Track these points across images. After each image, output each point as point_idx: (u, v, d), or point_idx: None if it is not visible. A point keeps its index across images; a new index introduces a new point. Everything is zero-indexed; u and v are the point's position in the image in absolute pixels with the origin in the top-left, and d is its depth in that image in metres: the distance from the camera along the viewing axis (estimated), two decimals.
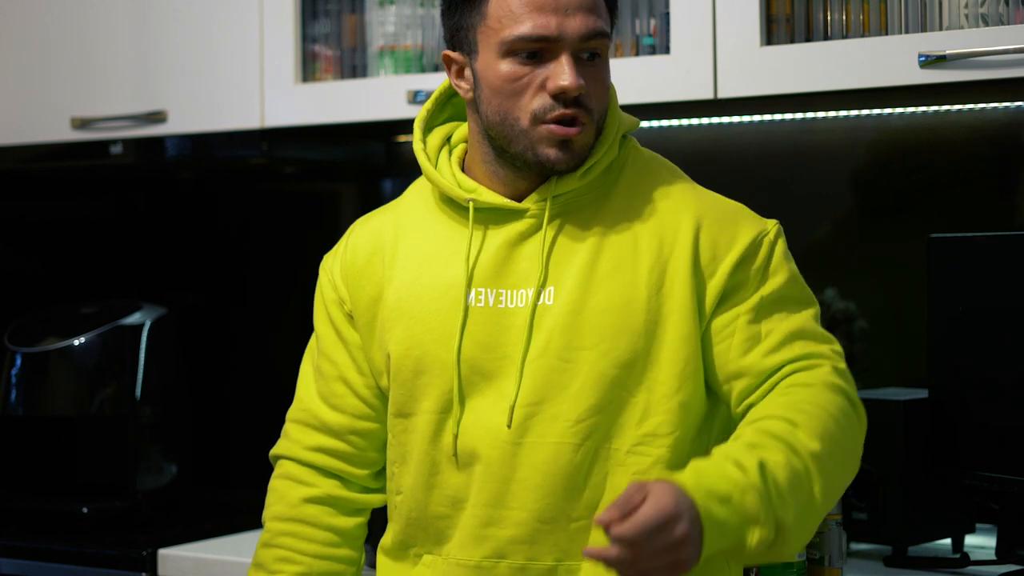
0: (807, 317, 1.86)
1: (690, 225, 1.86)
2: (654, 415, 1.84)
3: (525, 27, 1.81)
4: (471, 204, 1.89)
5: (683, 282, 1.84)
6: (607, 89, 1.88)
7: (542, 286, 1.86)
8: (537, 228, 1.88)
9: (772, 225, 1.90)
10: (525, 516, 1.84)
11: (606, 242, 1.87)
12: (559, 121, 1.82)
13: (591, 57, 1.84)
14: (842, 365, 1.84)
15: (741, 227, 1.87)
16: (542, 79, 1.82)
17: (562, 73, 1.81)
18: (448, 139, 1.98)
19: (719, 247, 1.86)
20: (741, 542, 1.62)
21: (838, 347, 1.87)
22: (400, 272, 1.93)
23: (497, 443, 1.85)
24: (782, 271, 1.87)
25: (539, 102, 1.83)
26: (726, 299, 1.85)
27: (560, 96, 1.82)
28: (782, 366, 1.82)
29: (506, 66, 1.84)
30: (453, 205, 1.93)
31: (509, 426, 1.84)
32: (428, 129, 1.97)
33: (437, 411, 1.89)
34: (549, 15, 1.81)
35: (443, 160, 1.95)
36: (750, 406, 1.82)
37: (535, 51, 1.82)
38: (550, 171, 1.86)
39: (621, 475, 1.84)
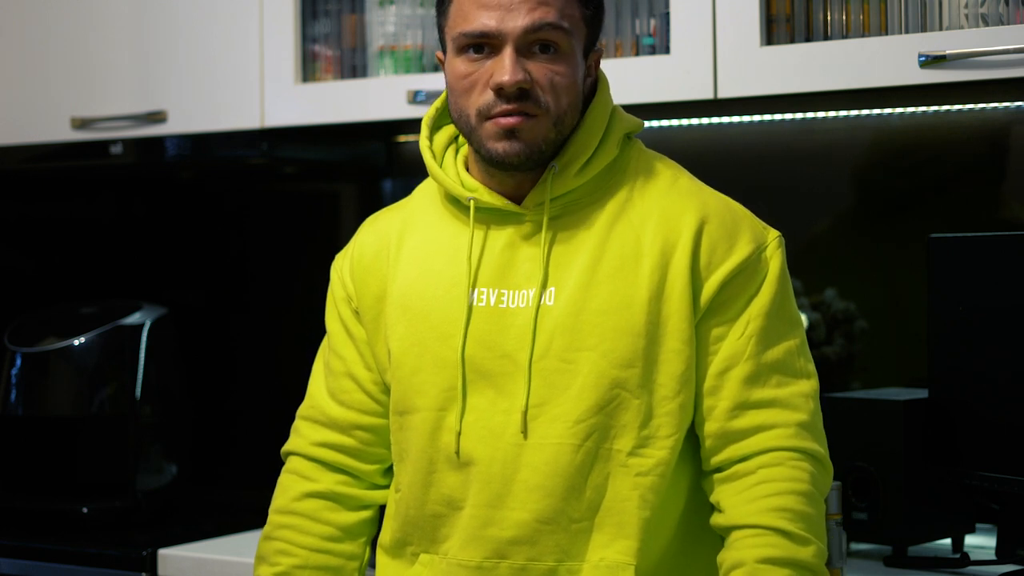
0: (788, 347, 1.87)
1: (692, 227, 1.86)
2: (655, 417, 1.84)
3: (469, 23, 1.83)
4: (472, 203, 1.89)
5: (682, 285, 1.84)
6: (569, 83, 1.85)
7: (543, 287, 1.86)
8: (537, 230, 1.88)
9: (772, 238, 1.89)
10: (525, 517, 1.84)
11: (608, 243, 1.86)
12: (503, 115, 1.83)
13: (544, 50, 1.83)
14: (806, 415, 1.85)
15: (741, 237, 1.87)
16: (488, 76, 1.83)
17: (501, 68, 1.81)
18: (456, 138, 1.97)
19: (716, 254, 1.85)
20: None
21: (813, 382, 1.88)
22: (404, 269, 1.94)
23: (498, 444, 1.85)
24: (774, 290, 1.87)
25: (484, 99, 1.83)
26: (715, 312, 1.86)
27: (500, 92, 1.82)
28: (749, 433, 1.84)
29: (459, 63, 1.86)
30: (457, 204, 1.93)
31: (524, 434, 1.84)
32: (436, 127, 1.98)
33: (435, 408, 1.88)
34: (493, 11, 1.82)
35: (448, 159, 1.95)
36: (714, 468, 1.86)
37: (480, 46, 1.83)
38: (505, 166, 1.85)
39: (623, 476, 1.84)
